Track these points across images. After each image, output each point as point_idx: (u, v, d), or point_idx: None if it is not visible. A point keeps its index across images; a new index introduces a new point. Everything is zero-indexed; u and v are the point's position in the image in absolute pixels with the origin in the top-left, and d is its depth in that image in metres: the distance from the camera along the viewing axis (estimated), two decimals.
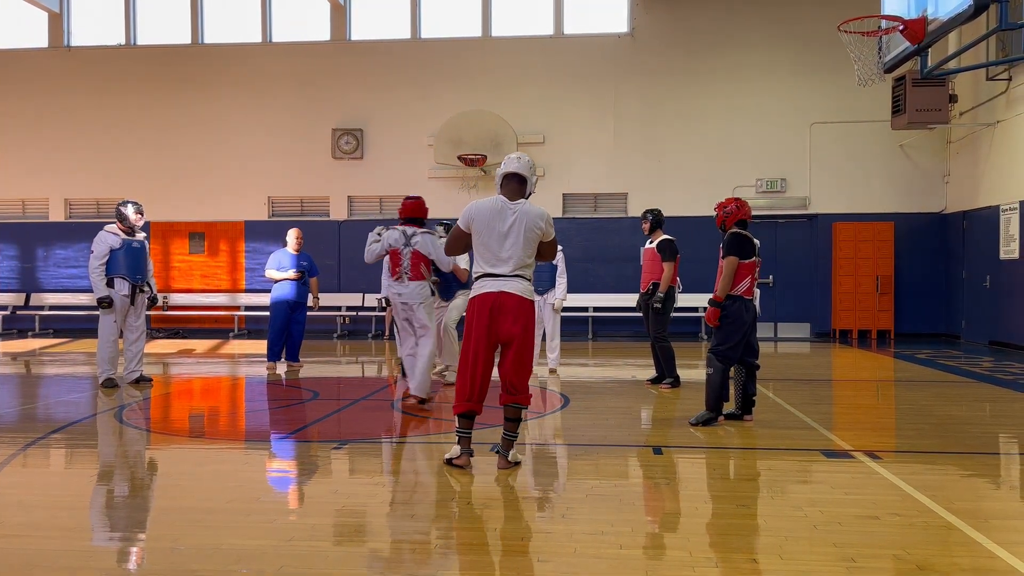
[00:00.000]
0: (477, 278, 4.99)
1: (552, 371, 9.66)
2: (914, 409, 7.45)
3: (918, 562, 3.45)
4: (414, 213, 7.32)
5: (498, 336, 4.93)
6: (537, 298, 9.86)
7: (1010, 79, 12.48)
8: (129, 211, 8.63)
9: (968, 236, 14.02)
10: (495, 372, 5.02)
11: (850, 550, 3.58)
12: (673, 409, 7.35)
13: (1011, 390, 8.44)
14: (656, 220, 8.66)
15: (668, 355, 8.51)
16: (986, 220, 13.24)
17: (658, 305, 8.31)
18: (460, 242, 5.10)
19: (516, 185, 5.02)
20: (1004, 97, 12.67)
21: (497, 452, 5.11)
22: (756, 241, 6.47)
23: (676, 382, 8.46)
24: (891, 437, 6.29)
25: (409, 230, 7.24)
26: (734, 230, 6.40)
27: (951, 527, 3.91)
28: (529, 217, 4.93)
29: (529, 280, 4.99)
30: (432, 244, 7.24)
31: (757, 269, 6.48)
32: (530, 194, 5.09)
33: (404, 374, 7.86)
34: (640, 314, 8.91)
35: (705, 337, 14.61)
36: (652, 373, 8.87)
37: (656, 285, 8.42)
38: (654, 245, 8.56)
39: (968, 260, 14.00)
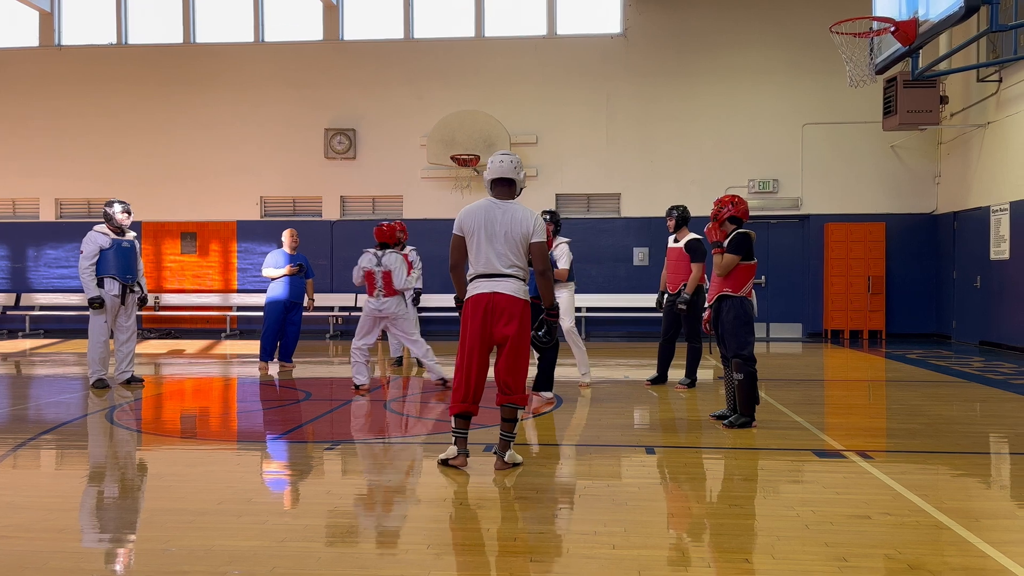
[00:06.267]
0: (471, 279, 5.01)
1: None
2: (905, 409, 7.48)
3: (909, 561, 3.46)
4: (383, 238, 8.36)
5: (492, 337, 4.95)
6: None
7: (1000, 80, 12.54)
8: (116, 210, 8.59)
9: (959, 237, 14.08)
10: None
11: (842, 549, 3.59)
12: (667, 409, 7.36)
13: (1001, 390, 8.48)
14: (682, 217, 8.45)
15: (696, 356, 8.45)
16: (976, 221, 13.30)
17: (683, 307, 8.15)
18: (458, 249, 5.10)
19: (505, 187, 5.08)
20: (995, 98, 12.73)
21: (494, 453, 5.12)
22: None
23: (692, 384, 8.43)
24: (882, 437, 6.31)
25: (380, 252, 8.26)
26: (741, 229, 6.38)
27: (942, 526, 3.93)
28: (516, 217, 4.96)
29: (523, 280, 5.00)
30: (396, 261, 8.14)
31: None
32: (521, 190, 5.14)
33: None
34: (653, 314, 8.75)
35: None
36: (651, 373, 8.84)
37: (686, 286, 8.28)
38: (681, 244, 8.37)
39: (958, 261, 14.07)
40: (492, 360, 5.08)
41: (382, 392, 8.43)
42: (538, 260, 5.02)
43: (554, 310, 5.18)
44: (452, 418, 5.06)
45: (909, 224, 14.91)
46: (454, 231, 5.08)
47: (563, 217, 15.38)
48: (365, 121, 15.89)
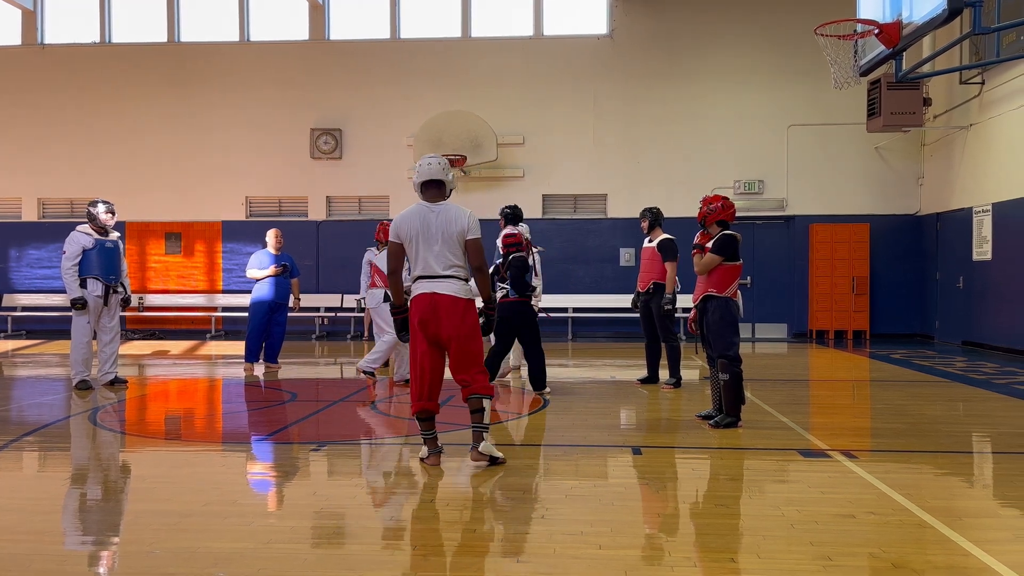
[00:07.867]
0: (414, 281, 5.09)
1: None
2: (889, 409, 7.53)
3: (893, 560, 3.48)
4: (378, 237, 9.18)
5: (436, 336, 5.01)
6: None
7: (983, 82, 12.65)
8: (99, 210, 8.53)
9: (942, 238, 14.19)
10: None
11: (827, 548, 3.61)
12: (653, 410, 7.38)
13: (984, 389, 8.55)
14: (655, 218, 8.60)
15: (676, 354, 8.49)
16: (959, 222, 13.42)
17: (669, 307, 8.24)
18: (396, 256, 5.15)
19: (435, 190, 5.13)
20: (977, 100, 12.84)
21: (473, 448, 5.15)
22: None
23: (678, 383, 8.46)
24: (867, 436, 6.35)
25: (378, 250, 9.16)
26: (727, 231, 6.40)
27: (925, 525, 3.95)
28: (449, 216, 5.02)
29: (464, 280, 5.06)
30: (382, 257, 8.73)
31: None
32: (451, 191, 5.19)
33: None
34: (637, 314, 8.81)
35: (683, 338, 14.66)
36: (637, 373, 8.85)
37: (656, 285, 8.36)
38: (654, 244, 8.48)
39: (941, 261, 14.18)
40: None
41: (368, 393, 8.41)
42: (474, 256, 5.07)
43: (492, 304, 5.34)
44: (416, 420, 5.15)
45: (893, 225, 15.02)
46: (391, 238, 5.13)
47: (549, 218, 15.56)
48: (351, 121, 15.84)
